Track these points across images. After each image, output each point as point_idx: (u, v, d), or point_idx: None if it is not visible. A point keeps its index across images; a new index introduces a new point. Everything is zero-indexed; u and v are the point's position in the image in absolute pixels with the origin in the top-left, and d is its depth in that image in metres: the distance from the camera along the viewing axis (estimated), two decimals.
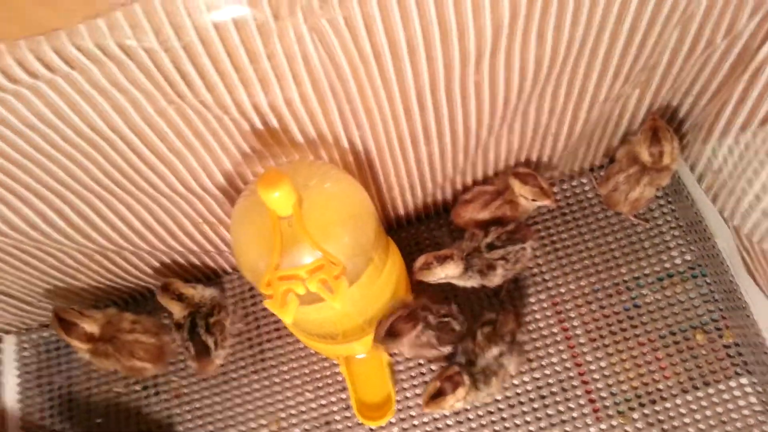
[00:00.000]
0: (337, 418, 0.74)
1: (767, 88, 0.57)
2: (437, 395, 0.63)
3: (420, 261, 0.70)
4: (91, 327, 0.71)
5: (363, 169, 0.66)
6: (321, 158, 0.62)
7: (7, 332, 0.82)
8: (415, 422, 0.72)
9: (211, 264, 0.80)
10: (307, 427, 0.74)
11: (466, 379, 0.64)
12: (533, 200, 0.70)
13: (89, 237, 0.65)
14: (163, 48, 0.44)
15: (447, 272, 0.70)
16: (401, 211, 0.78)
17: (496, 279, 0.71)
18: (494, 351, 0.65)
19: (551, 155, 0.73)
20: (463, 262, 0.70)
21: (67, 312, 0.71)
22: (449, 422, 0.72)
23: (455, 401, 0.64)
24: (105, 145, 0.53)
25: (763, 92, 0.58)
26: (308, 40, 0.47)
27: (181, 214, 0.67)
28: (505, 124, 0.63)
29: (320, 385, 0.76)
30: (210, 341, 0.72)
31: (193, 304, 0.72)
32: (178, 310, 0.73)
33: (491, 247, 0.70)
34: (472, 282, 0.72)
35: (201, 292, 0.73)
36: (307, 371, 0.77)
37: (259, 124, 0.55)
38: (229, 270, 0.83)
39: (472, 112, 0.58)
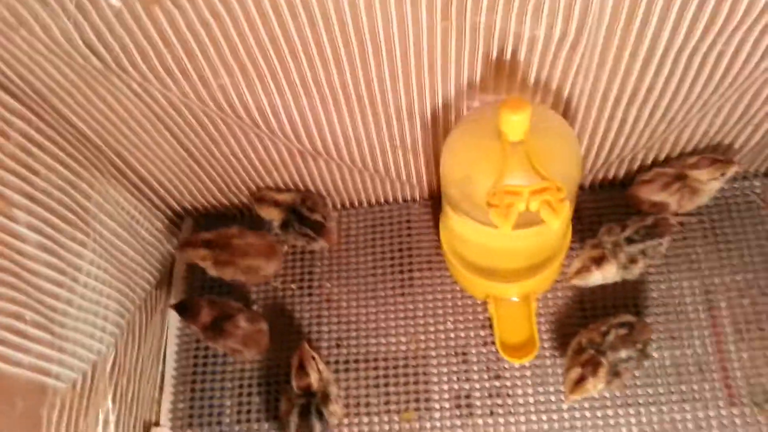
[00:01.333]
0: (473, 351, 0.79)
1: None
2: (580, 380, 0.65)
3: (575, 266, 0.72)
4: (206, 235, 0.80)
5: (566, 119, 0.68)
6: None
7: (189, 215, 0.90)
8: (549, 371, 0.76)
9: (380, 191, 0.85)
10: (443, 353, 0.79)
11: (603, 360, 0.66)
12: (722, 175, 0.72)
13: (297, 133, 0.69)
14: None
15: (605, 274, 0.72)
16: None
17: (635, 272, 0.73)
18: (623, 354, 0.67)
19: (741, 146, 0.74)
20: (617, 260, 0.72)
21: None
22: None
23: (597, 383, 0.65)
24: (369, 48, 0.56)
25: None
26: None
27: (385, 133, 0.70)
28: (716, 103, 0.65)
29: (461, 319, 0.81)
30: (318, 217, 0.80)
31: (287, 206, 0.80)
32: (277, 215, 0.80)
33: (630, 240, 0.72)
34: (615, 278, 0.74)
35: (293, 196, 0.81)
36: (450, 304, 0.82)
37: (497, 53, 0.57)
38: (390, 200, 0.88)
39: (699, 82, 0.60)
